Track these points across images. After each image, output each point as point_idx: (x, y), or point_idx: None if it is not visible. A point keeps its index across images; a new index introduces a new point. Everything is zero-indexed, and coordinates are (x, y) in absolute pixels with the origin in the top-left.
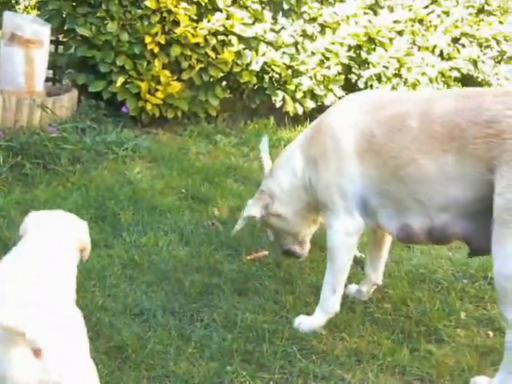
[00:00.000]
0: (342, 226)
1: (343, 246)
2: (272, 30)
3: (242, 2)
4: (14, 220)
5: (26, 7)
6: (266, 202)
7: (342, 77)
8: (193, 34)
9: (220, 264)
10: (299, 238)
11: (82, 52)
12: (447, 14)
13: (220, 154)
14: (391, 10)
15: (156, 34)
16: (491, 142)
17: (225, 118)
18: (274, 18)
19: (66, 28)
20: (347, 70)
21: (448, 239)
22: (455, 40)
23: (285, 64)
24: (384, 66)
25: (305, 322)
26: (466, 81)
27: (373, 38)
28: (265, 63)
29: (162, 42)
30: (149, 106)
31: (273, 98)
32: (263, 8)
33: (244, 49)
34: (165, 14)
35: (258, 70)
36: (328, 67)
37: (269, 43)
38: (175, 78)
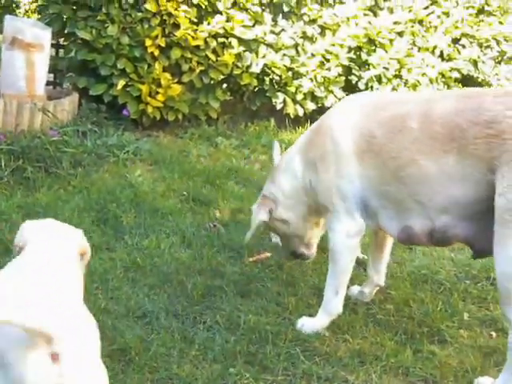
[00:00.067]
0: (343, 228)
1: (345, 247)
2: (272, 32)
3: (241, 5)
4: (16, 224)
5: (27, 11)
6: (270, 207)
7: (343, 78)
8: (193, 37)
9: (222, 266)
10: (305, 241)
11: (83, 55)
12: (447, 14)
13: (221, 156)
14: (391, 11)
15: (156, 36)
16: (492, 143)
17: (225, 121)
18: (274, 20)
19: (66, 31)
20: (347, 71)
21: (449, 241)
22: (455, 41)
23: (285, 66)
24: (384, 67)
25: (308, 324)
26: (467, 81)
27: (373, 40)
28: (265, 65)
29: (163, 44)
30: (150, 109)
31: (273, 100)
32: (263, 10)
33: (244, 51)
34: (165, 17)
35: (258, 72)
36: (328, 69)
37: (269, 45)
38: (176, 80)
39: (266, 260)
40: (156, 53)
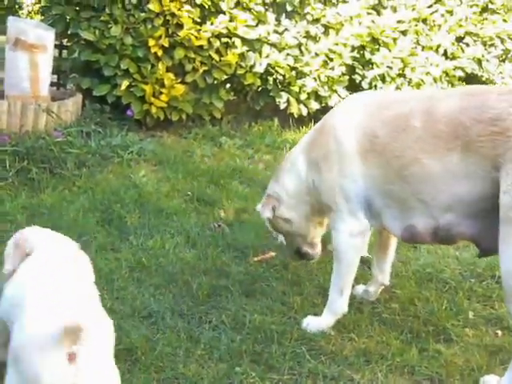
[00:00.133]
0: (347, 228)
1: (349, 247)
2: (275, 31)
3: (245, 4)
4: (21, 225)
5: (30, 12)
6: (273, 204)
7: (346, 77)
8: (196, 37)
9: (227, 266)
10: (308, 240)
11: (86, 56)
12: (451, 13)
13: (225, 156)
14: (394, 10)
15: (160, 37)
16: (496, 140)
17: (229, 120)
18: (278, 20)
19: (69, 32)
20: (351, 70)
21: (454, 239)
22: (459, 39)
23: (289, 65)
24: (388, 67)
25: (313, 323)
26: (471, 80)
27: (376, 39)
28: (268, 65)
29: (166, 44)
30: (153, 109)
31: (277, 100)
32: (266, 10)
33: (248, 51)
34: (168, 17)
35: (261, 71)
36: (332, 68)
37: (272, 45)
38: (179, 80)
39: (270, 259)
40: (159, 53)
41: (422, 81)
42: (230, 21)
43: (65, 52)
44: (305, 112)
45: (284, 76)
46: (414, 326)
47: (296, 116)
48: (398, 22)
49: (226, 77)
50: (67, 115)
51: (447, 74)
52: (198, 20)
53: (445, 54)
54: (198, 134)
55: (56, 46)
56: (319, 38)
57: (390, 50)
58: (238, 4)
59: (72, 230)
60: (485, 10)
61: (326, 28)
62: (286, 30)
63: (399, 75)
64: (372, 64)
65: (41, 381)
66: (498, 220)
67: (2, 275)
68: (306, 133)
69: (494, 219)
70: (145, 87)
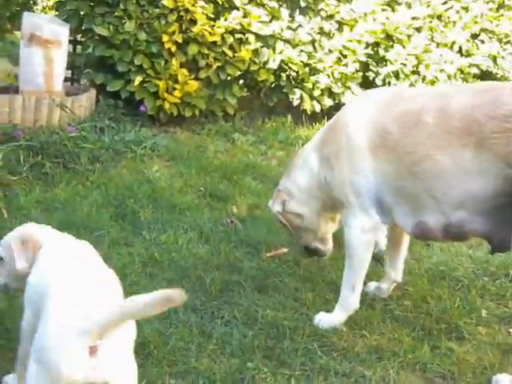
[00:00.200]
0: (359, 224)
1: (361, 243)
2: (289, 27)
3: (258, 0)
4: (35, 219)
5: (44, 8)
6: (283, 199)
7: (360, 74)
8: (210, 33)
9: (240, 261)
10: (319, 235)
11: (100, 51)
12: (466, 9)
13: (238, 152)
14: (409, 6)
15: (173, 32)
16: (510, 137)
17: (242, 117)
18: (291, 16)
19: (83, 28)
20: (365, 67)
21: (466, 236)
22: (474, 36)
23: (302, 62)
24: (402, 63)
25: (325, 319)
26: (485, 77)
27: (390, 35)
28: (282, 61)
29: (180, 40)
30: (167, 105)
31: (290, 96)
32: (280, 6)
33: (261, 47)
34: (182, 13)
35: (275, 68)
36: (345, 65)
37: (286, 41)
38: (193, 76)
39: (283, 255)
40: (173, 49)
41: (436, 78)
42: (244, 17)
43: (79, 47)
44: (318, 108)
45: (297, 72)
46: (426, 324)
47: (309, 112)
48: (413, 18)
49: (239, 73)
50: (81, 110)
51: (462, 72)
52: (212, 16)
53: (459, 50)
54: (211, 130)
55: (70, 42)
56: (333, 34)
57: (404, 47)
58: (251, 0)
59: (85, 224)
60: (501, 6)
61: (340, 24)
62: (299, 26)
63: (413, 72)
64: (386, 61)
65: (61, 372)
66: (511, 217)
67: (13, 271)
68: (319, 129)
69: (506, 216)
70: (158, 83)
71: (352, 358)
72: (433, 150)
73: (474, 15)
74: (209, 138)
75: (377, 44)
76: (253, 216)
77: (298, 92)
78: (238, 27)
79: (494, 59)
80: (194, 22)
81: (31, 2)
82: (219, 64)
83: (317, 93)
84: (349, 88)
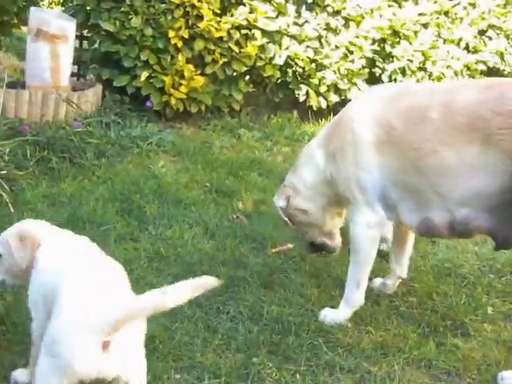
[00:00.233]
0: (364, 219)
1: (366, 238)
2: (295, 23)
3: None
4: (42, 213)
5: (51, 3)
6: (287, 194)
7: (366, 70)
8: (216, 28)
9: (245, 257)
10: (325, 231)
11: (107, 47)
12: (473, 5)
13: (244, 147)
14: (416, 2)
15: (180, 28)
16: None
17: (248, 112)
18: (298, 12)
19: (90, 23)
20: (371, 63)
21: (471, 233)
22: (482, 32)
23: (308, 58)
24: (408, 60)
25: (330, 315)
26: (493, 74)
27: (397, 31)
28: (288, 57)
29: (186, 36)
30: (173, 101)
31: (296, 92)
32: (287, 1)
33: (267, 43)
34: (188, 9)
35: (281, 63)
36: (352, 61)
37: (292, 37)
38: (199, 72)
39: (288, 251)
40: (179, 44)
41: (443, 74)
42: (250, 12)
43: (85, 43)
44: (324, 104)
45: (303, 68)
46: (431, 320)
47: (315, 108)
48: (420, 14)
49: (245, 69)
50: (87, 105)
51: (469, 68)
52: (218, 11)
53: (466, 47)
54: (216, 126)
55: (77, 37)
56: (339, 30)
57: (410, 43)
58: None
59: (91, 219)
60: (508, 2)
61: (347, 20)
62: (306, 21)
63: (420, 69)
64: (392, 57)
65: (74, 367)
66: None
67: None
68: (325, 125)
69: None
70: (164, 78)
71: (357, 353)
72: (438, 146)
73: (481, 11)
74: (215, 133)
75: (383, 40)
76: (258, 212)
77: (304, 88)
78: (245, 23)
79: (502, 56)
80: (200, 17)
81: None
82: (225, 60)
83: (323, 89)
84: (355, 84)
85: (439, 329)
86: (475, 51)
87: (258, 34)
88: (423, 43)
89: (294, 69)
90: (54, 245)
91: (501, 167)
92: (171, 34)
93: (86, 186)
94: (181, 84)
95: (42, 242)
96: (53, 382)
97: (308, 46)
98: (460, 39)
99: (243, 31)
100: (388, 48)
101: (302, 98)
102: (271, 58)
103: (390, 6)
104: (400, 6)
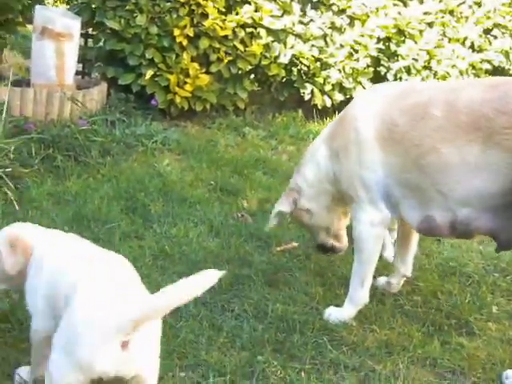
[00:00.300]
0: (368, 217)
1: (370, 237)
2: (301, 22)
3: None
4: (46, 211)
5: (56, 1)
6: (294, 197)
7: (371, 69)
8: (221, 27)
9: (250, 255)
10: (332, 232)
11: (112, 45)
12: (479, 4)
13: (248, 146)
14: (421, 1)
15: (185, 26)
16: None
17: (253, 111)
18: (303, 11)
19: (95, 21)
20: (376, 62)
21: (472, 234)
22: (487, 31)
23: (313, 56)
24: (413, 59)
25: (335, 314)
26: (498, 73)
27: (402, 30)
28: (293, 56)
29: (191, 34)
30: (178, 99)
31: (301, 91)
32: (292, 0)
33: (272, 41)
34: (193, 7)
35: (286, 62)
36: (357, 60)
37: (297, 36)
38: (204, 70)
39: (293, 250)
40: (184, 43)
41: (448, 73)
42: (255, 11)
43: (90, 41)
44: (329, 103)
45: (308, 67)
46: (436, 319)
47: (320, 107)
48: (425, 13)
49: (250, 67)
50: (92, 104)
51: (474, 67)
52: (223, 10)
53: (472, 46)
54: (221, 124)
55: (82, 35)
56: (344, 29)
57: (415, 42)
58: None
59: (96, 217)
60: None
61: (352, 19)
62: (311, 20)
63: (425, 67)
64: (397, 56)
65: (94, 367)
66: None
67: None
68: (329, 124)
69: None
70: (169, 77)
71: (362, 352)
72: (439, 144)
73: (486, 10)
74: (219, 132)
75: (388, 39)
76: (263, 210)
77: (308, 87)
78: (250, 21)
79: (507, 55)
80: (205, 15)
81: None
82: (230, 58)
83: (328, 88)
84: (360, 83)
85: (444, 327)
86: (480, 50)
87: (263, 32)
88: (428, 42)
89: (298, 67)
90: (50, 248)
91: (503, 167)
92: (176, 32)
93: (91, 184)
94: (186, 82)
95: (35, 245)
96: (70, 378)
97: (313, 45)
98: (465, 38)
99: (248, 30)
100: (393, 47)
101: (306, 97)
102: (276, 57)
103: (395, 4)
104: (405, 5)
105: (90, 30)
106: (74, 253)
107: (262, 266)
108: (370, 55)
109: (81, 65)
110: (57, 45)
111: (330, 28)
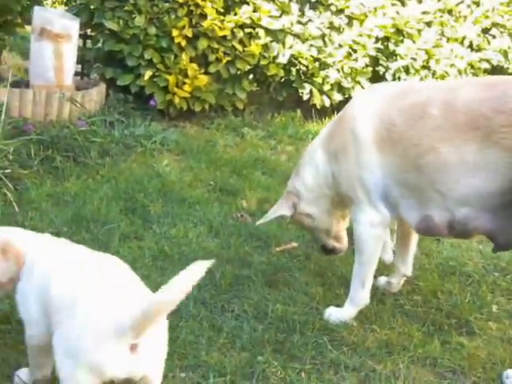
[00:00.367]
0: (367, 218)
1: (370, 237)
2: (299, 22)
3: None
4: (46, 212)
5: (54, 2)
6: (293, 201)
7: (370, 69)
8: (220, 27)
9: (250, 256)
10: (332, 234)
11: (110, 46)
12: (477, 3)
13: (247, 146)
14: (419, 0)
15: (183, 27)
16: None
17: (252, 111)
18: (301, 11)
19: (94, 22)
20: (375, 62)
21: (470, 234)
22: (485, 30)
23: (312, 56)
24: (412, 58)
25: (335, 314)
26: (496, 72)
27: (401, 30)
28: (292, 56)
29: (190, 35)
30: (176, 100)
31: (300, 91)
32: (290, 0)
33: (271, 41)
34: (192, 8)
35: (285, 62)
36: (355, 59)
37: (296, 36)
38: (202, 71)
39: (292, 250)
40: (183, 43)
41: (447, 73)
42: (254, 11)
43: (89, 42)
44: (328, 103)
45: (307, 67)
46: (436, 319)
47: (319, 107)
48: (423, 13)
49: (249, 67)
50: (91, 104)
51: (472, 67)
52: (222, 10)
53: (470, 45)
54: (220, 125)
55: (80, 36)
56: (343, 28)
57: (414, 42)
58: None
59: (95, 218)
60: None
61: (350, 19)
62: (309, 20)
63: (423, 67)
64: (396, 55)
65: (104, 371)
66: None
67: None
68: (328, 124)
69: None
70: (168, 77)
71: (362, 352)
72: (438, 143)
73: (485, 9)
74: (218, 132)
75: (387, 39)
76: (262, 210)
77: (307, 87)
78: (248, 22)
79: (505, 54)
80: (203, 16)
81: None
82: (229, 58)
83: (326, 87)
84: (358, 83)
85: (444, 327)
86: (479, 49)
87: (261, 32)
88: (427, 41)
89: (297, 67)
90: (43, 250)
91: (501, 166)
92: (175, 32)
93: (90, 185)
94: (184, 83)
95: (26, 254)
96: (81, 381)
97: (311, 45)
98: (464, 37)
99: (247, 30)
100: (391, 46)
101: (305, 97)
102: (275, 57)
103: (393, 4)
104: (403, 5)
105: (88, 31)
106: (64, 256)
107: (261, 266)
108: (368, 55)
109: (79, 66)
110: (55, 46)
111: (328, 28)
